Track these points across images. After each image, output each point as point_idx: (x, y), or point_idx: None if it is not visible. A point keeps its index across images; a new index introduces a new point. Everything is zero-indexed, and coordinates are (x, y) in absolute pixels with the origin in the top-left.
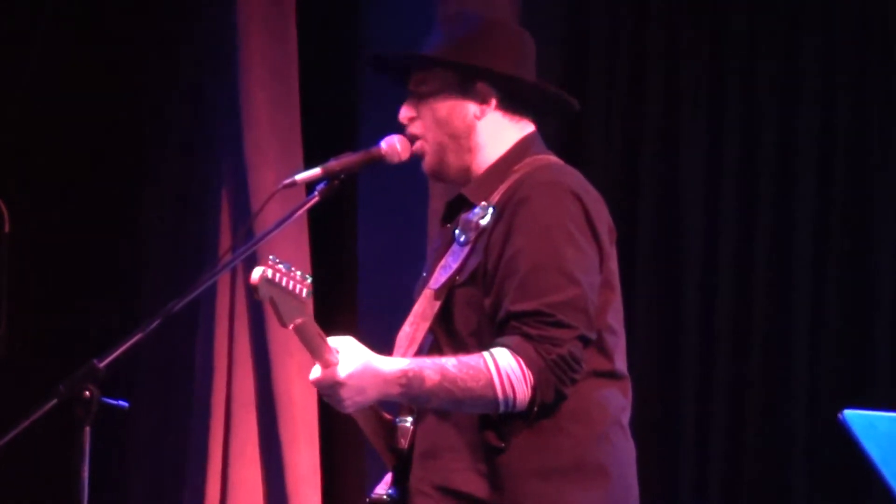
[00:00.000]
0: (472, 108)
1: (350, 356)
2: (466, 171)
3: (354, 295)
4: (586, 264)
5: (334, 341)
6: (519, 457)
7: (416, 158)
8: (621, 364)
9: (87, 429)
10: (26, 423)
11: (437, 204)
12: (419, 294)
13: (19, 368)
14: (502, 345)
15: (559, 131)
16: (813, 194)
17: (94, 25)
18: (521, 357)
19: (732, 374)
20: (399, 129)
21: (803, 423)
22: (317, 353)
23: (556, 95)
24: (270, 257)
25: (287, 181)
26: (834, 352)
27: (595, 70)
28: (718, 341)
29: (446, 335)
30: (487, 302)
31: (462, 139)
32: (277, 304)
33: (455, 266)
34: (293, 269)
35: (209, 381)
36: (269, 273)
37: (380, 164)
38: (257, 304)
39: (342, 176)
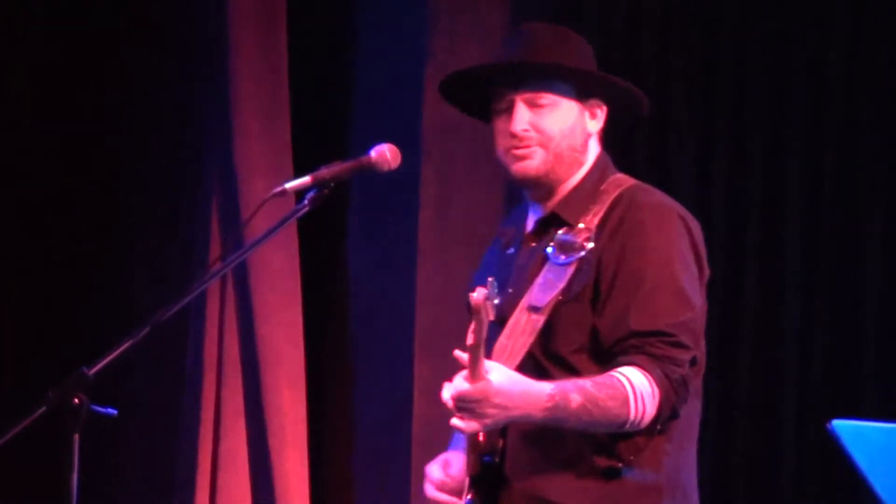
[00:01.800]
0: (589, 123)
1: (502, 372)
2: (560, 184)
3: (345, 304)
4: (696, 287)
5: (487, 362)
6: (624, 473)
7: (406, 167)
8: (701, 385)
9: (76, 436)
10: (15, 431)
11: (427, 214)
12: (508, 310)
13: (6, 375)
14: (630, 363)
15: None
16: (803, 203)
17: (81, 33)
18: (651, 376)
19: (720, 386)
20: (388, 138)
21: (792, 433)
22: (475, 364)
23: (637, 104)
24: (490, 279)
25: (277, 190)
26: (822, 362)
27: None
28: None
29: (544, 352)
30: (599, 321)
31: (578, 153)
32: (481, 323)
33: (560, 285)
34: (497, 290)
35: (198, 390)
36: (490, 296)
37: (370, 172)
38: (246, 313)
39: (332, 184)
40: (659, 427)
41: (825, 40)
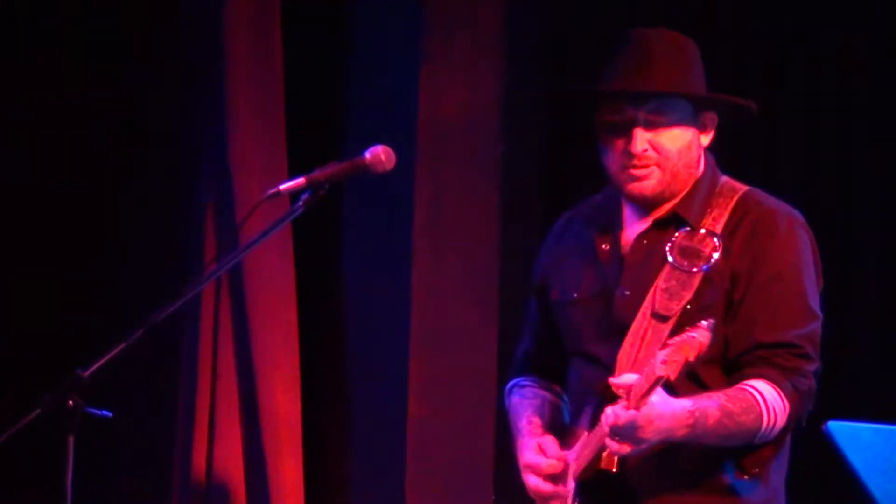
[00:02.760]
0: (702, 137)
1: (657, 399)
2: (674, 196)
3: (340, 305)
4: (818, 299)
5: (643, 384)
6: (742, 490)
7: (400, 168)
8: None
9: (71, 438)
10: (10, 433)
11: (422, 215)
12: (626, 313)
13: (1, 377)
14: (759, 376)
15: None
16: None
17: (75, 33)
18: (781, 389)
19: None
20: (382, 139)
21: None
22: (648, 394)
23: (749, 114)
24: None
25: (271, 191)
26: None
27: (574, 71)
28: None
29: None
30: (729, 331)
31: (693, 168)
32: (686, 363)
33: (688, 295)
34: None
35: (193, 392)
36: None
37: (364, 173)
38: (241, 315)
39: (326, 186)
40: (786, 439)
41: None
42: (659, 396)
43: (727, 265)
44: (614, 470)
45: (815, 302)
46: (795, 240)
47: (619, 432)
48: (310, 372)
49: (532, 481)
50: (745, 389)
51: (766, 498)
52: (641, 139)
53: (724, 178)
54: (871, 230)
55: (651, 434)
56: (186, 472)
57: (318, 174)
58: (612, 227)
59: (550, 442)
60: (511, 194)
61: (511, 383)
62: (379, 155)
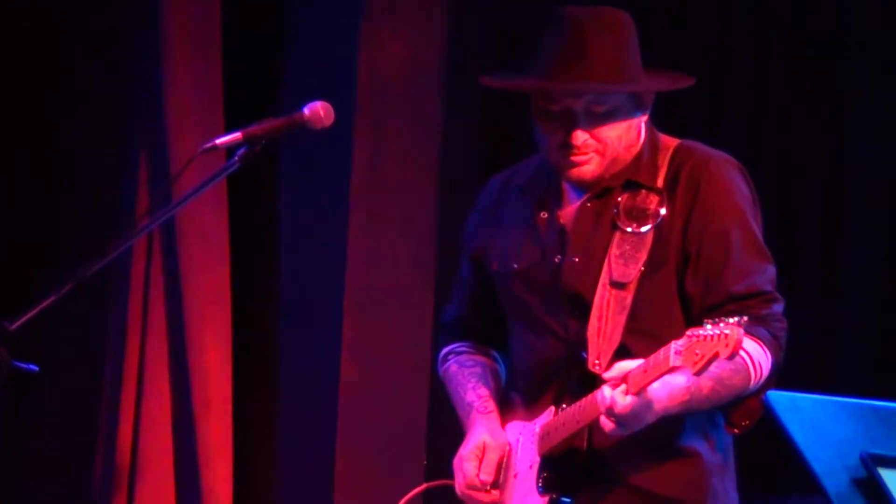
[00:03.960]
0: (641, 117)
1: (659, 385)
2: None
3: (275, 263)
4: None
5: (641, 370)
6: (705, 451)
7: (339, 125)
8: None
9: None
10: None
11: (360, 173)
12: (580, 283)
13: None
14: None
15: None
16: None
17: None
18: (761, 340)
19: None
20: (321, 94)
21: None
22: (650, 379)
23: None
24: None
25: (207, 145)
26: None
27: (517, 30)
28: None
29: (639, 330)
30: (690, 287)
31: (633, 145)
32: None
33: (642, 256)
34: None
35: (121, 348)
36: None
37: (302, 129)
38: (173, 270)
39: (263, 141)
40: (771, 386)
41: None
42: (662, 384)
43: (674, 218)
44: (585, 445)
45: (764, 245)
46: (737, 183)
47: (616, 416)
48: (242, 330)
49: (459, 488)
50: None
51: (722, 459)
52: (581, 132)
53: (662, 137)
54: (814, 194)
55: (651, 417)
56: (113, 429)
57: (254, 129)
58: (551, 194)
59: (495, 444)
60: (452, 154)
61: (446, 349)
62: (318, 111)
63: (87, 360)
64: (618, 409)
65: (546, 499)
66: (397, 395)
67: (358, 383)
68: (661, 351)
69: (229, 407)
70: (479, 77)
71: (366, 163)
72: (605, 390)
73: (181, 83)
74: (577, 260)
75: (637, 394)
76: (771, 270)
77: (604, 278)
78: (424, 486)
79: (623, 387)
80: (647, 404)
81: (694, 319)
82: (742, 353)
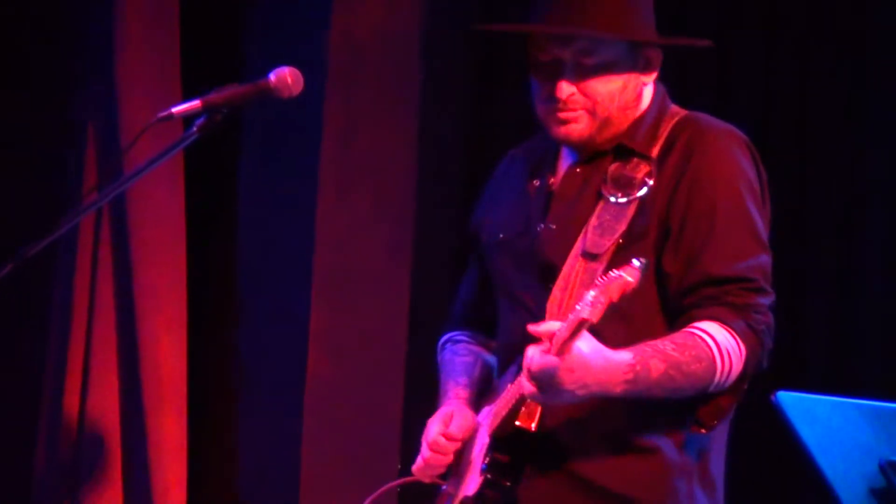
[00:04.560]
0: (640, 77)
1: (588, 344)
2: (610, 139)
3: (234, 243)
4: (765, 226)
5: (568, 327)
6: (669, 448)
7: (309, 94)
8: None
9: None
10: None
11: (331, 146)
12: (547, 249)
13: None
14: (710, 318)
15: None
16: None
17: None
18: (734, 331)
19: None
20: (289, 60)
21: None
22: (572, 339)
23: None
24: (643, 261)
25: (162, 113)
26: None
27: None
28: None
29: None
30: (669, 265)
31: (630, 108)
32: (609, 308)
33: (620, 228)
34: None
35: (65, 336)
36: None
37: (268, 98)
38: (123, 253)
39: (224, 110)
40: (746, 386)
41: None
42: (590, 345)
43: (660, 190)
44: (533, 428)
45: (763, 227)
46: (735, 159)
47: (536, 378)
48: (198, 318)
49: (423, 449)
50: (694, 334)
51: (694, 461)
52: (567, 84)
53: (673, 108)
54: (829, 186)
55: (573, 385)
56: (55, 426)
57: (215, 97)
58: (547, 161)
59: (461, 415)
60: (430, 128)
61: (444, 337)
62: (285, 78)
63: (28, 348)
64: (533, 368)
65: (482, 479)
66: (370, 391)
67: (326, 378)
68: (579, 304)
69: (184, 403)
70: (468, 29)
71: (337, 136)
72: (530, 350)
73: (133, 45)
74: (554, 227)
75: (559, 354)
76: (763, 260)
77: (577, 248)
78: (398, 481)
79: (546, 345)
80: (569, 368)
81: (671, 302)
82: (706, 338)
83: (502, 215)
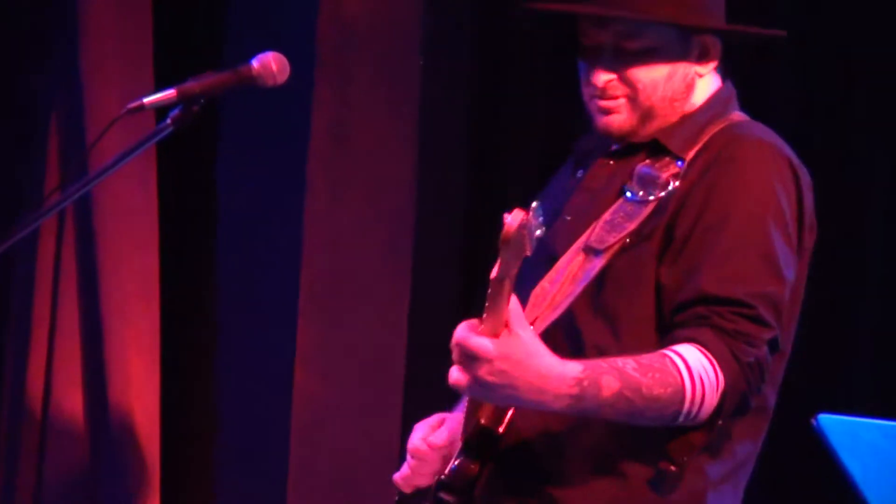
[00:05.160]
0: (692, 67)
1: (525, 336)
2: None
3: (212, 249)
4: (790, 258)
5: (514, 308)
6: (657, 484)
7: (296, 83)
8: (773, 398)
9: None
10: None
11: (319, 144)
12: (555, 243)
13: None
14: (689, 339)
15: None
16: None
17: None
18: (715, 357)
19: None
20: (273, 45)
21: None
22: (495, 312)
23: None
24: (534, 205)
25: (133, 104)
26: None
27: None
28: None
29: (590, 307)
30: (666, 274)
31: (678, 101)
32: (508, 251)
33: (631, 226)
34: (542, 218)
35: (23, 354)
36: (529, 223)
37: (250, 86)
38: (89, 259)
39: (202, 100)
40: (721, 422)
41: None
42: (533, 344)
43: (678, 196)
44: (500, 430)
45: (785, 258)
46: (766, 175)
47: (462, 352)
48: (173, 333)
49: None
50: (664, 356)
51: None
52: (604, 70)
53: (736, 114)
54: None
55: (493, 378)
56: (13, 455)
57: (192, 85)
58: (595, 151)
59: (455, 420)
60: (432, 121)
61: None
62: (269, 64)
63: None
64: (458, 338)
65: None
66: (364, 414)
67: (315, 400)
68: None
69: (156, 427)
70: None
71: (327, 130)
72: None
73: (99, 27)
74: (568, 219)
75: (494, 334)
76: (772, 291)
77: (580, 241)
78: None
79: (476, 323)
80: (502, 354)
81: (665, 318)
82: (678, 361)
83: (544, 207)
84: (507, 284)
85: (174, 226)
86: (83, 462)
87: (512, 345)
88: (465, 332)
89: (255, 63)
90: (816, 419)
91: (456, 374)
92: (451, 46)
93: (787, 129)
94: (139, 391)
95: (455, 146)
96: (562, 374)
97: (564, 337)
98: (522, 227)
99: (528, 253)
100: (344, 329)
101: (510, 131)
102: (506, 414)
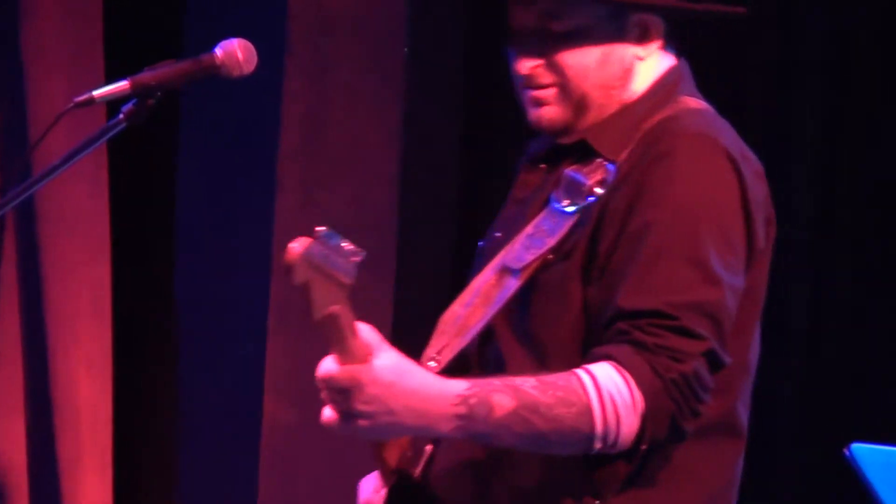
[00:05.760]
0: (630, 49)
1: (389, 357)
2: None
3: (171, 258)
4: (731, 259)
5: (365, 334)
6: None
7: (265, 72)
8: (745, 418)
9: None
10: None
11: (290, 140)
12: (485, 263)
13: None
14: (605, 356)
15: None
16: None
17: None
18: (631, 374)
19: None
20: (239, 31)
21: (796, 456)
22: (344, 349)
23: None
24: (321, 229)
25: (81, 97)
26: (833, 373)
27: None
28: None
29: (512, 333)
30: (593, 294)
31: (616, 89)
32: (312, 290)
33: (552, 242)
34: (341, 240)
35: None
36: (314, 253)
37: (213, 77)
38: (32, 270)
39: (159, 93)
40: (644, 447)
41: None
42: (388, 359)
43: (604, 204)
44: (416, 473)
45: (723, 263)
46: (697, 170)
47: (328, 387)
48: (126, 353)
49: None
50: (572, 373)
51: None
52: (528, 56)
53: (685, 99)
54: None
55: (367, 408)
56: None
57: (147, 76)
58: (537, 158)
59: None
60: (417, 114)
61: None
62: (234, 52)
63: None
64: (320, 374)
65: None
66: (338, 442)
67: (285, 426)
68: None
69: (109, 458)
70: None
71: (300, 125)
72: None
73: (43, 10)
74: (498, 235)
75: (346, 360)
76: (704, 298)
77: (496, 260)
78: None
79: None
80: (356, 380)
81: (594, 338)
82: (586, 379)
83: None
84: (336, 320)
85: (128, 233)
86: (21, 495)
87: (379, 367)
88: (328, 366)
89: (218, 51)
90: (849, 448)
91: (328, 413)
92: (439, 33)
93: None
94: (90, 419)
95: (442, 143)
96: (442, 391)
97: (486, 366)
98: (305, 254)
99: (346, 281)
100: (318, 347)
101: (506, 124)
102: (421, 455)
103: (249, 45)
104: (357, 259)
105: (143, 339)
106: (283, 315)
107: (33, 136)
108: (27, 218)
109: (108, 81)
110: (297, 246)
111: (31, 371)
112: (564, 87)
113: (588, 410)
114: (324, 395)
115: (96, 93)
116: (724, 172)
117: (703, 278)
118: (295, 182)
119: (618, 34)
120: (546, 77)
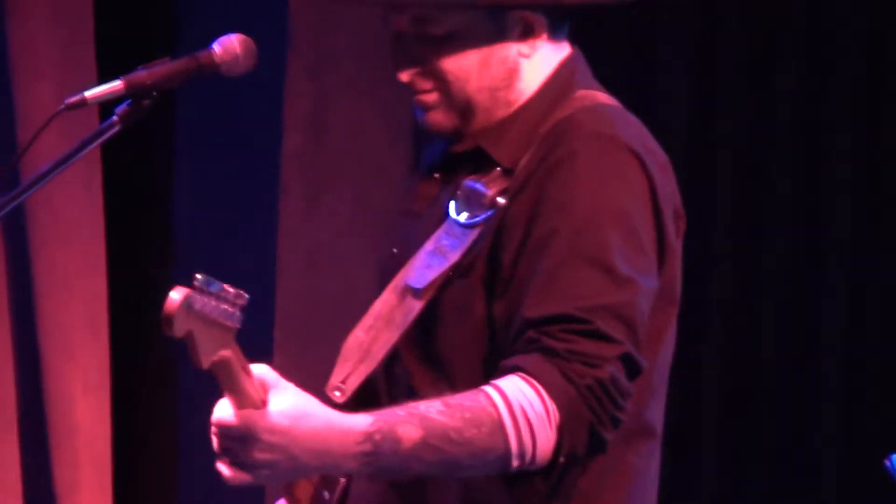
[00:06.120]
0: (513, 47)
1: (287, 398)
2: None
3: (170, 266)
4: (641, 260)
5: (260, 374)
6: None
7: (266, 70)
8: (660, 417)
9: None
10: None
11: (294, 141)
12: (386, 283)
13: None
14: (513, 368)
15: None
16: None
17: None
18: (541, 383)
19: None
20: (239, 28)
21: (835, 466)
22: (239, 391)
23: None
24: (199, 276)
25: (73, 98)
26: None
27: None
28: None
29: (418, 356)
30: (498, 310)
31: (502, 90)
32: (196, 339)
33: (454, 258)
34: (223, 285)
35: None
36: (194, 302)
37: (212, 76)
38: (24, 281)
39: (155, 93)
40: (563, 459)
41: None
42: (286, 400)
43: (508, 214)
44: (335, 499)
45: (632, 264)
46: (600, 172)
47: (224, 435)
48: (125, 370)
49: None
50: (480, 391)
51: None
52: (406, 61)
53: (581, 93)
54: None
55: (265, 456)
56: None
57: (142, 75)
58: (432, 167)
59: None
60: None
61: None
62: (234, 49)
63: None
64: (213, 423)
65: None
66: None
67: None
68: None
69: (108, 480)
70: None
71: (304, 125)
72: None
73: (32, 8)
74: (395, 251)
75: (240, 405)
76: (614, 301)
77: (397, 279)
78: None
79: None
80: (252, 427)
81: (502, 356)
82: (496, 396)
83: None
84: (227, 364)
85: (125, 242)
86: None
87: (275, 413)
88: (222, 412)
89: (216, 47)
90: (890, 459)
91: (225, 469)
92: None
93: None
94: (87, 438)
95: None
96: (345, 430)
97: (395, 390)
98: (185, 304)
99: (232, 325)
100: (324, 355)
101: None
102: (336, 486)
103: (249, 40)
104: (242, 302)
105: (141, 353)
106: (289, 319)
107: (22, 141)
108: (17, 227)
109: (101, 81)
110: (176, 296)
111: (23, 389)
112: (446, 92)
113: (500, 428)
114: (217, 444)
115: (88, 93)
116: (628, 170)
117: (611, 280)
118: (298, 184)
119: (498, 34)
120: (426, 83)
